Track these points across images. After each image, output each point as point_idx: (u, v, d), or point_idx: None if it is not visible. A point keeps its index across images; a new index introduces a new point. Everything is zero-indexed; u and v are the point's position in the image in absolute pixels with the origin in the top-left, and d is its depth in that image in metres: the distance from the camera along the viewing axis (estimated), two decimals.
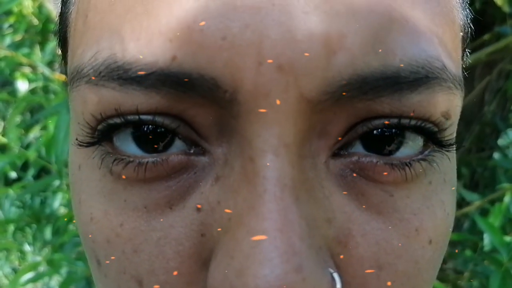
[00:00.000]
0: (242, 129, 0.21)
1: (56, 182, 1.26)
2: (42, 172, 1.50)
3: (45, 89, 1.36)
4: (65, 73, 0.30)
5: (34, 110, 1.53)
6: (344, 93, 0.21)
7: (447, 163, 0.25)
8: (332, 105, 0.21)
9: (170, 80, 0.21)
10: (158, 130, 0.23)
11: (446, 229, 0.25)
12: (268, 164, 0.21)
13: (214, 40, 0.20)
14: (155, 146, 0.23)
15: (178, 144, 0.23)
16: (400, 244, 0.23)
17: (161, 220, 0.23)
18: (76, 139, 0.24)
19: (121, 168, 0.23)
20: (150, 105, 0.22)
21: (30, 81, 1.31)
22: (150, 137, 0.23)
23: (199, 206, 0.22)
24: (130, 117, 0.22)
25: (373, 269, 0.22)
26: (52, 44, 1.25)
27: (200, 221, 0.22)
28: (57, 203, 1.35)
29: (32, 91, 1.34)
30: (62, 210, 1.39)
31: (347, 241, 0.22)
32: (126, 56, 0.21)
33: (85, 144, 0.24)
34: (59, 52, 0.30)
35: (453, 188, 0.26)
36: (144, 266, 0.23)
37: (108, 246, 0.24)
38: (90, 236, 0.24)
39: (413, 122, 0.22)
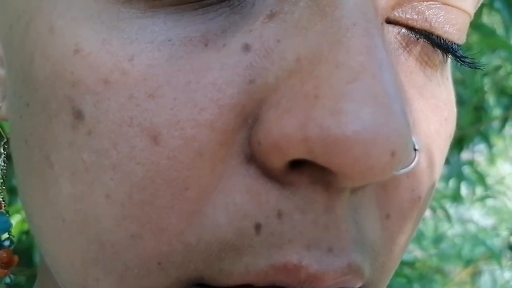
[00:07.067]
0: None
1: None
2: None
3: None
4: None
5: None
6: None
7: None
8: None
9: None
10: None
11: (451, 135, 0.23)
12: None
13: None
14: None
15: None
16: (435, 131, 0.22)
17: (192, 58, 0.17)
18: None
19: None
20: None
21: None
22: None
23: (247, 44, 0.17)
24: None
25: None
26: None
27: (249, 62, 0.17)
28: None
29: None
30: None
31: None
32: None
33: None
34: None
35: None
36: (165, 115, 0.16)
37: (104, 89, 0.17)
38: (69, 74, 0.17)
39: None
